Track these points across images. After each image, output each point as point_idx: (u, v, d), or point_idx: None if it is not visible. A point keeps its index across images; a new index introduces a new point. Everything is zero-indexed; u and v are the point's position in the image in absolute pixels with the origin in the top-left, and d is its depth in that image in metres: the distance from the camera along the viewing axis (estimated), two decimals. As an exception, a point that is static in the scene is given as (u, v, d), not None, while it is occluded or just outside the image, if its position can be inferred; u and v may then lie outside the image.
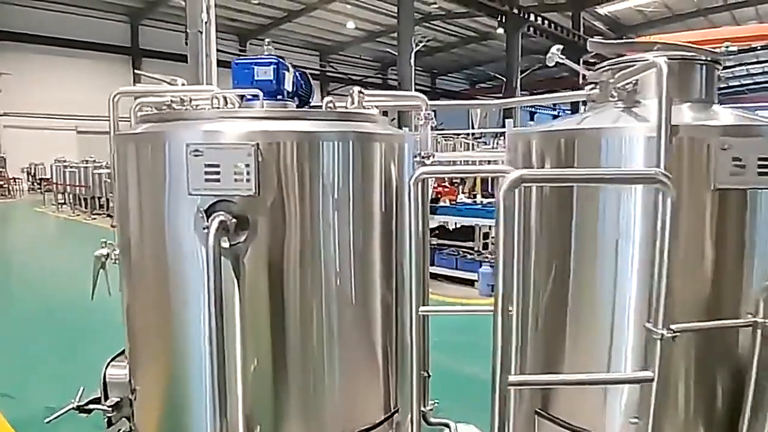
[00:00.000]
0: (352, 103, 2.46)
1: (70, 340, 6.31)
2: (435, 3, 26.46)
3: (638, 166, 1.97)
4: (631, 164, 2.00)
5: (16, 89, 25.73)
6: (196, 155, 1.84)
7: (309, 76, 2.85)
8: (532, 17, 24.87)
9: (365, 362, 2.23)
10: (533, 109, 47.81)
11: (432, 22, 29.03)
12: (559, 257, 2.23)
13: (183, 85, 2.68)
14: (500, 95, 38.35)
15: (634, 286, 2.04)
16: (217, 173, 1.85)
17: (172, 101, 2.63)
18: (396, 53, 23.50)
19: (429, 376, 2.81)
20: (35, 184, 25.48)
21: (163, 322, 2.13)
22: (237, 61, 2.39)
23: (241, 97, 2.27)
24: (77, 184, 18.70)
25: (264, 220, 1.91)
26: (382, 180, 2.15)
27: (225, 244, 1.85)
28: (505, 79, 28.74)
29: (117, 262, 2.56)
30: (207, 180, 1.86)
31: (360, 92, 2.44)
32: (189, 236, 1.93)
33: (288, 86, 2.47)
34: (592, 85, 2.44)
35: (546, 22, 25.77)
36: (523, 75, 27.61)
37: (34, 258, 11.92)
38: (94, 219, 17.07)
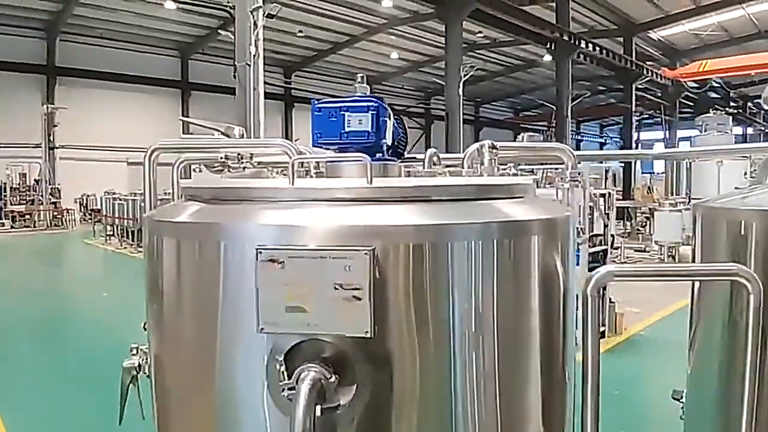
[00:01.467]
0: (480, 162, 1.71)
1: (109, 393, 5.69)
2: (480, 32, 25.93)
3: None
4: None
5: (72, 122, 26.42)
6: (272, 267, 1.11)
7: (403, 119, 2.13)
8: (582, 44, 23.96)
9: None
10: (579, 137, 46.37)
11: (477, 51, 28.48)
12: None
13: (242, 136, 1.99)
14: (546, 123, 37.41)
15: None
16: (308, 298, 1.11)
17: (227, 157, 1.94)
18: (441, 83, 23.04)
19: None
20: (86, 214, 25.84)
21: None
22: (320, 105, 1.69)
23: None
24: (125, 216, 18.72)
25: (380, 373, 1.15)
26: (541, 288, 1.37)
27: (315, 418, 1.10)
28: (554, 107, 27.89)
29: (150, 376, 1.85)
30: (290, 309, 1.11)
31: (492, 147, 1.68)
32: (254, 390, 1.20)
33: (388, 138, 1.75)
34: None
35: (597, 48, 24.82)
36: (574, 102, 26.74)
37: (71, 298, 11.62)
38: (140, 252, 16.84)
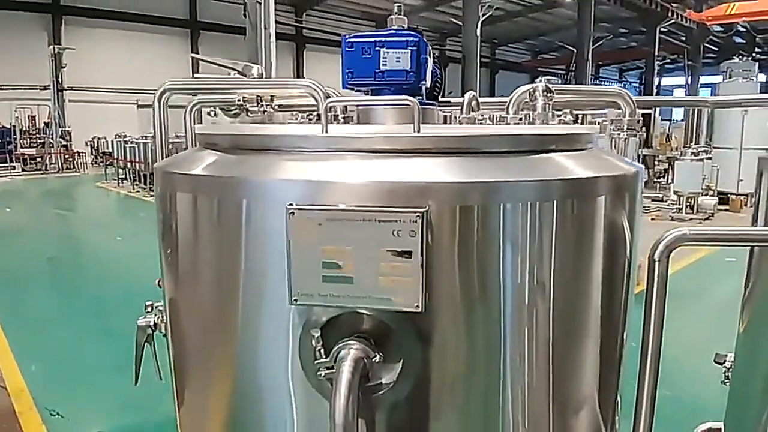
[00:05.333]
0: (532, 108, 1.50)
1: (129, 347, 5.74)
2: (501, -31, 24.71)
3: None
4: None
5: (80, 64, 25.92)
6: (306, 230, 0.94)
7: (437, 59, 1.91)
8: (606, -17, 22.81)
9: None
10: (597, 82, 44.94)
11: (497, -11, 27.21)
12: None
13: (261, 76, 1.79)
14: (565, 67, 36.19)
15: None
16: (348, 266, 0.95)
17: (245, 99, 1.75)
18: (458, 22, 22.13)
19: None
20: (98, 157, 25.77)
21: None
22: (351, 39, 1.48)
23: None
24: (136, 159, 18.62)
25: (428, 350, 1.01)
26: (605, 257, 1.20)
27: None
28: (575, 50, 26.91)
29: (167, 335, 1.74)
30: (327, 279, 0.96)
31: (548, 91, 1.47)
32: (278, 368, 1.06)
33: (428, 80, 1.54)
34: None
35: (622, -13, 23.64)
36: (594, 45, 25.78)
37: (84, 241, 11.68)
38: (152, 196, 16.87)
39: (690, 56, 32.38)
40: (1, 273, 8.69)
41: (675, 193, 14.44)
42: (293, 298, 0.98)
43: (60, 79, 25.86)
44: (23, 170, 23.27)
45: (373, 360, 0.96)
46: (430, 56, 1.55)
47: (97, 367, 5.31)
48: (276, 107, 1.82)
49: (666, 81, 44.64)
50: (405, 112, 1.42)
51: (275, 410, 1.09)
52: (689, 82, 33.58)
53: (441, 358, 1.03)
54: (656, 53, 28.81)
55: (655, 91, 31.76)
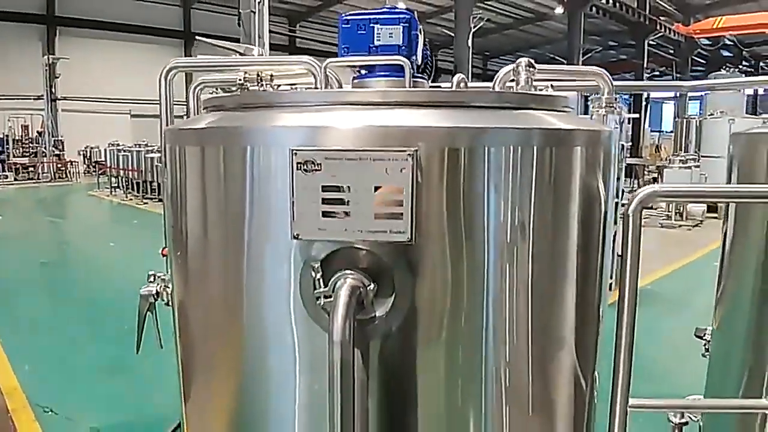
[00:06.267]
0: (516, 83, 1.61)
1: (119, 346, 5.76)
2: (492, -18, 25.14)
3: None
4: None
5: (74, 74, 25.98)
6: (307, 170, 1.03)
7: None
8: (596, -4, 23.24)
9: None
10: (587, 94, 45.43)
11: (487, 2, 27.62)
12: None
13: (261, 55, 1.88)
14: (556, 79, 36.67)
15: None
16: (345, 203, 1.04)
17: (246, 79, 1.85)
18: (450, 34, 22.46)
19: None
20: (91, 167, 25.74)
21: (232, 423, 1.37)
22: (347, 17, 1.58)
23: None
24: (130, 168, 18.66)
25: (418, 282, 1.10)
26: (581, 205, 1.30)
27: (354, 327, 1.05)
28: (565, 62, 27.30)
29: (170, 304, 1.81)
30: (327, 215, 1.05)
31: (530, 65, 1.58)
32: (282, 302, 1.15)
33: (419, 57, 1.65)
34: None
35: (611, 1, 24.05)
36: (584, 57, 26.18)
37: (76, 247, 11.66)
38: (146, 203, 16.94)
39: (678, 69, 32.92)
40: (-6, 276, 8.68)
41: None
42: (295, 233, 1.07)
43: (53, 89, 25.88)
44: (15, 179, 23.19)
45: (368, 288, 1.05)
46: (421, 34, 1.66)
47: (89, 368, 5.33)
48: (276, 87, 1.91)
49: (655, 94, 45.30)
50: (397, 85, 1.53)
51: (278, 341, 1.17)
52: (678, 95, 34.09)
53: (430, 290, 1.12)
54: (645, 66, 29.28)
55: (644, 102, 32.22)
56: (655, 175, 19.41)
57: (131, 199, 18.06)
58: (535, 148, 1.15)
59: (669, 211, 14.21)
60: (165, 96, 1.81)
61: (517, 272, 1.18)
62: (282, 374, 1.20)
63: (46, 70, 25.09)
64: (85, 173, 25.88)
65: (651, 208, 16.20)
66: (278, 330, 1.16)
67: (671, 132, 27.89)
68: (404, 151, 1.02)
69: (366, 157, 1.03)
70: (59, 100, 26.42)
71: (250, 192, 1.15)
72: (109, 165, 20.33)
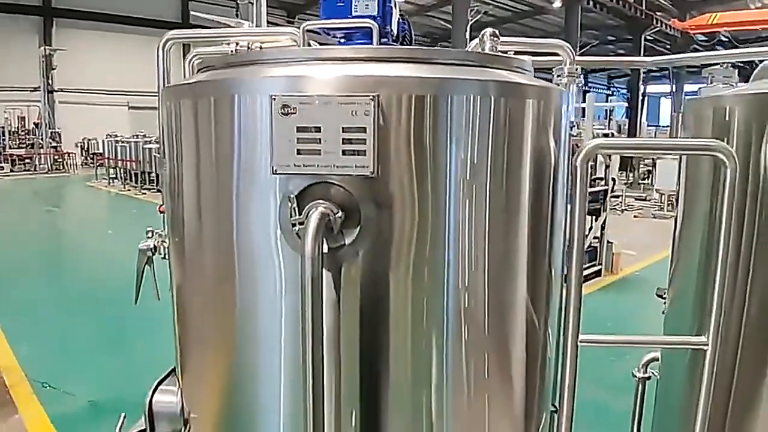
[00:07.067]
0: (481, 50, 1.77)
1: (115, 327, 5.94)
2: (490, -25, 25.23)
3: None
4: None
5: (71, 65, 26.03)
6: (285, 113, 1.20)
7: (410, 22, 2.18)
8: (593, -11, 23.37)
9: (498, 412, 1.58)
10: (587, 88, 45.72)
11: (486, -5, 27.71)
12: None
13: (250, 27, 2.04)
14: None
15: None
16: (318, 141, 1.21)
17: (237, 51, 2.00)
18: (448, 27, 22.56)
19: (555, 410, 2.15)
20: (88, 158, 25.83)
21: (226, 342, 1.54)
22: (327, -11, 1.74)
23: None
24: (128, 159, 18.79)
25: (382, 213, 1.27)
26: (533, 153, 1.47)
27: (323, 248, 1.22)
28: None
29: (167, 257, 1.98)
30: (301, 152, 1.22)
31: (494, 35, 1.75)
32: (268, 233, 1.32)
33: (394, 27, 1.81)
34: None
35: (608, -5, 24.21)
36: (581, 51, 26.30)
37: (74, 235, 11.81)
38: (144, 194, 17.11)
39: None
40: (-7, 261, 8.83)
41: (657, 191, 14.84)
42: (274, 168, 1.24)
43: (50, 81, 25.91)
44: (12, 171, 23.26)
45: (337, 216, 1.22)
46: (396, 7, 1.82)
47: (86, 347, 5.51)
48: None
49: (652, 88, 45.50)
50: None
51: (265, 267, 1.35)
52: (674, 90, 34.29)
53: (392, 221, 1.28)
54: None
55: (640, 97, 32.41)
56: (650, 168, 19.61)
57: (129, 190, 18.22)
58: (492, 98, 1.31)
59: (661, 203, 14.42)
60: (162, 67, 1.98)
61: (474, 210, 1.34)
62: (270, 296, 1.37)
63: (42, 61, 25.11)
64: (82, 165, 25.98)
65: (645, 200, 16.30)
66: (264, 256, 1.34)
67: (668, 126, 28.07)
68: (367, 95, 1.18)
69: (335, 101, 1.19)
70: (56, 91, 26.46)
71: (237, 135, 1.32)
72: (107, 156, 20.46)
